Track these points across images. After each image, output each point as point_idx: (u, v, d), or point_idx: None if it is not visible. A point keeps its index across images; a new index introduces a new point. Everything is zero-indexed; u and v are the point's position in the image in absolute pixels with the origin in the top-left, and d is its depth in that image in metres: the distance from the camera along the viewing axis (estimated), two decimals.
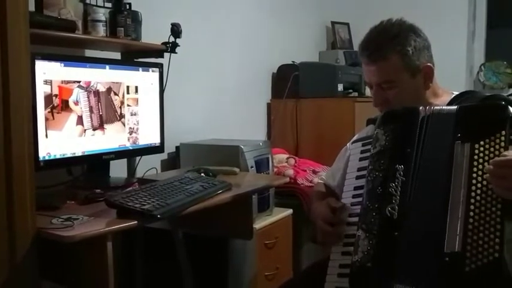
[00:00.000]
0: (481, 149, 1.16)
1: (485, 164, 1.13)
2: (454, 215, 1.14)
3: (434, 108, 1.27)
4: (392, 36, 1.39)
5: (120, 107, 1.89)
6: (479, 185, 1.14)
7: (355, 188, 1.34)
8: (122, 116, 1.90)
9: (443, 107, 1.29)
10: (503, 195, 1.09)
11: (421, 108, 1.28)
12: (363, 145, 1.39)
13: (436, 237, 1.14)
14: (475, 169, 1.16)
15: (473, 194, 1.14)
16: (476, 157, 1.16)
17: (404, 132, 1.28)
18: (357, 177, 1.35)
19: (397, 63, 1.38)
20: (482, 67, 3.84)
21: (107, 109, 1.83)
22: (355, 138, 1.57)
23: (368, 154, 1.33)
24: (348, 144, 1.62)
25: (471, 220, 1.12)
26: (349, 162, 1.42)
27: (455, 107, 1.27)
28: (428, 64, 1.41)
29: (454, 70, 3.53)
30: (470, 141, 1.18)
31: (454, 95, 1.45)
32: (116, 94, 1.86)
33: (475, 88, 3.74)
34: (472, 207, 1.13)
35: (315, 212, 1.41)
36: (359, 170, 1.36)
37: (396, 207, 1.21)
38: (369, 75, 1.44)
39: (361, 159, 1.37)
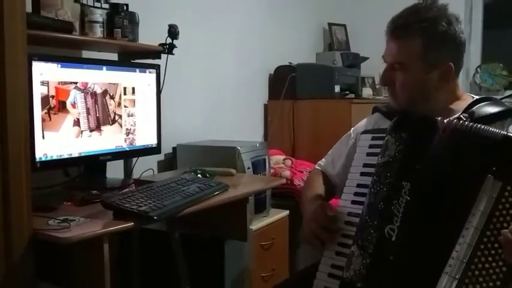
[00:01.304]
0: None
1: (511, 211, 1.03)
2: (458, 255, 1.05)
3: (456, 123, 1.14)
4: (423, 19, 1.26)
5: (114, 110, 1.89)
6: (495, 232, 1.02)
7: (358, 186, 1.29)
8: (116, 118, 1.89)
9: (482, 128, 1.10)
10: None
11: (439, 120, 1.16)
12: (373, 139, 1.32)
13: (431, 272, 1.07)
14: (497, 213, 1.03)
15: (485, 239, 1.03)
16: (503, 200, 1.03)
17: (417, 145, 1.17)
18: (362, 174, 1.30)
19: (417, 48, 1.26)
20: (478, 69, 3.86)
21: (103, 111, 1.83)
22: (361, 124, 1.53)
23: (376, 150, 1.25)
24: (351, 131, 1.55)
25: (473, 267, 1.03)
26: (356, 154, 1.36)
27: (503, 133, 1.09)
28: (450, 63, 1.27)
29: None
30: (503, 180, 1.03)
31: (473, 100, 1.32)
32: (111, 98, 1.86)
33: (471, 90, 3.75)
34: (479, 253, 1.03)
35: (309, 214, 1.36)
36: (365, 166, 1.30)
37: (396, 229, 1.13)
38: (386, 53, 1.33)
39: (368, 154, 1.31)
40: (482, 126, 1.11)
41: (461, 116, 1.24)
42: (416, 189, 1.13)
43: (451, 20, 1.28)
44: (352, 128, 1.56)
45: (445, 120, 1.16)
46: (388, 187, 1.17)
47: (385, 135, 1.23)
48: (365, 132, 1.39)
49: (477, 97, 1.34)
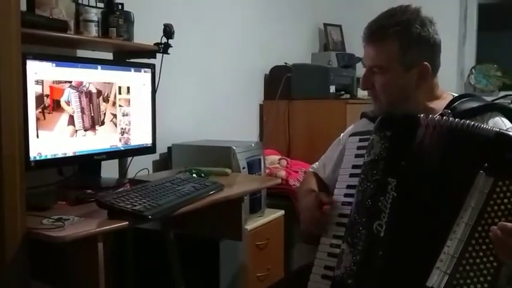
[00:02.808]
0: (504, 188, 1.04)
1: (502, 206, 1.04)
2: (449, 250, 1.06)
3: (439, 119, 1.17)
4: (397, 22, 1.29)
5: (106, 110, 1.88)
6: (486, 227, 1.04)
7: (348, 187, 1.31)
8: (110, 118, 1.89)
9: (473, 125, 1.13)
10: (506, 262, 1.02)
11: (422, 117, 1.19)
12: (360, 140, 1.34)
13: (421, 267, 1.08)
14: (488, 209, 1.04)
15: (476, 235, 1.04)
16: (495, 196, 1.04)
17: (401, 142, 1.19)
18: (351, 175, 1.31)
19: (393, 51, 1.29)
20: (473, 70, 3.88)
21: (98, 110, 1.82)
22: (349, 129, 1.55)
23: (364, 151, 1.26)
24: (341, 136, 1.58)
25: (464, 262, 1.04)
26: (345, 157, 1.38)
27: (495, 130, 1.12)
28: (425, 63, 1.31)
29: (445, 73, 3.52)
30: (495, 176, 1.05)
31: (453, 97, 1.37)
32: (105, 100, 1.85)
33: (466, 91, 3.77)
34: (470, 248, 1.04)
35: (305, 203, 1.38)
36: (354, 167, 1.32)
37: (384, 224, 1.14)
38: (365, 58, 1.36)
39: (356, 156, 1.33)
40: (474, 123, 1.13)
41: (444, 112, 1.27)
42: (402, 185, 1.15)
43: (424, 22, 1.31)
44: (342, 134, 1.59)
45: (429, 117, 1.18)
46: (375, 184, 1.19)
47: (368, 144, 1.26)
48: (353, 134, 1.42)
49: (456, 95, 1.38)
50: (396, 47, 1.29)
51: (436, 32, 1.33)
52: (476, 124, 1.13)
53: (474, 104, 1.31)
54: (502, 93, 3.72)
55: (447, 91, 1.43)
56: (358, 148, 1.34)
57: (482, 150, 1.10)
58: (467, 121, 1.15)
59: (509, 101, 3.43)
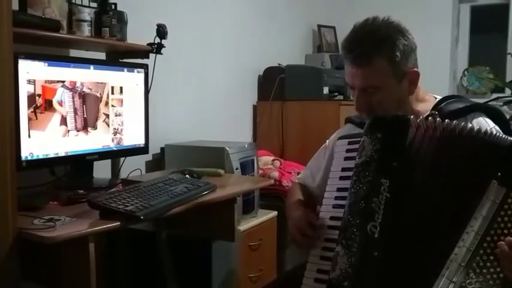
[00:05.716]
0: None
1: None
2: (457, 258, 1.05)
3: (431, 121, 1.17)
4: (380, 39, 1.28)
5: (101, 110, 1.88)
6: (495, 238, 1.03)
7: (338, 190, 1.30)
8: (103, 118, 1.89)
9: (488, 133, 1.13)
10: (510, 277, 1.01)
11: (411, 118, 1.19)
12: (349, 143, 1.33)
13: (418, 269, 1.08)
14: (499, 219, 1.03)
15: (485, 245, 1.03)
16: (506, 207, 1.04)
17: (392, 144, 1.19)
18: (341, 178, 1.31)
19: (384, 69, 1.28)
20: (465, 72, 3.90)
21: (91, 110, 1.81)
22: (334, 135, 1.55)
23: (353, 154, 1.26)
24: (326, 142, 1.58)
25: (471, 271, 1.04)
26: (334, 160, 1.37)
27: (510, 139, 1.11)
28: (415, 70, 1.32)
29: (437, 75, 3.58)
30: (508, 187, 1.04)
31: (437, 100, 1.39)
32: (99, 97, 1.85)
33: (459, 93, 3.79)
34: (477, 258, 1.03)
35: (293, 221, 1.38)
36: (343, 170, 1.31)
37: (378, 225, 1.14)
38: (352, 79, 1.33)
39: (346, 159, 1.32)
40: (489, 131, 1.13)
41: (431, 113, 1.28)
42: (395, 186, 1.15)
43: (402, 31, 1.31)
44: (327, 141, 1.58)
45: (419, 119, 1.19)
46: (368, 185, 1.18)
47: (360, 139, 1.25)
48: (341, 138, 1.41)
49: (439, 97, 1.40)
50: (386, 64, 1.28)
51: (412, 36, 1.33)
52: (490, 132, 1.13)
53: (460, 105, 1.33)
54: (494, 95, 3.75)
55: (430, 93, 1.44)
56: (348, 151, 1.33)
57: (497, 160, 1.09)
58: (478, 127, 1.14)
59: (501, 103, 3.46)
